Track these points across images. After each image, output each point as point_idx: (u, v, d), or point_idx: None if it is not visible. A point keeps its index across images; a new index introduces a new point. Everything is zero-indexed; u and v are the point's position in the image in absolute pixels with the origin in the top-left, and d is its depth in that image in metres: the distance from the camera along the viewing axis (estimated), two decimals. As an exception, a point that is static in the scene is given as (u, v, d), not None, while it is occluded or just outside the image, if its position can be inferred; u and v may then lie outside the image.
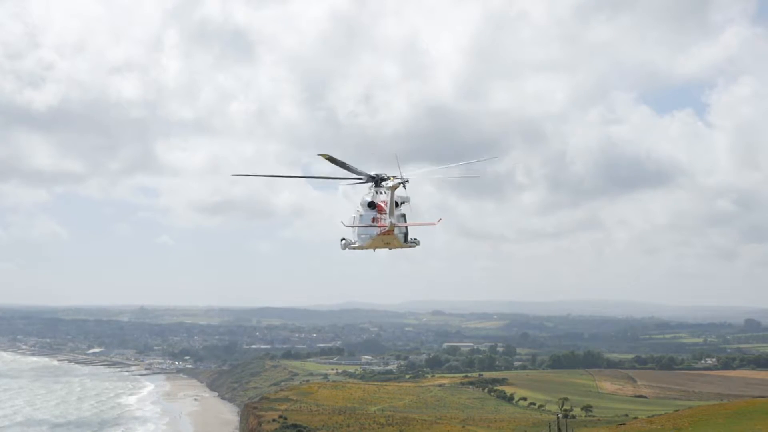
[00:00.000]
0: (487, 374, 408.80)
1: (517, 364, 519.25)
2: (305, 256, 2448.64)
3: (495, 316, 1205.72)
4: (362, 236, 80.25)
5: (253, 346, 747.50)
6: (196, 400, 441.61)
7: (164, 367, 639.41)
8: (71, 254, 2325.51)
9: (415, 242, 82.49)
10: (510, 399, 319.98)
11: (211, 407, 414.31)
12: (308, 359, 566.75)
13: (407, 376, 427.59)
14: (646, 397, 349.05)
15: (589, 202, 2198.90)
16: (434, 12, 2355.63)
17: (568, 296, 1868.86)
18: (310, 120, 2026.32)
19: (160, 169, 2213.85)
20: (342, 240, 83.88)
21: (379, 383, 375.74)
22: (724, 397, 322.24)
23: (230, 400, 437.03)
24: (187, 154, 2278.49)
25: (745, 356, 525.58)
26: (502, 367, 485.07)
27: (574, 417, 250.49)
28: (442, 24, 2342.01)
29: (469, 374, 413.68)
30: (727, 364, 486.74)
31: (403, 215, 79.52)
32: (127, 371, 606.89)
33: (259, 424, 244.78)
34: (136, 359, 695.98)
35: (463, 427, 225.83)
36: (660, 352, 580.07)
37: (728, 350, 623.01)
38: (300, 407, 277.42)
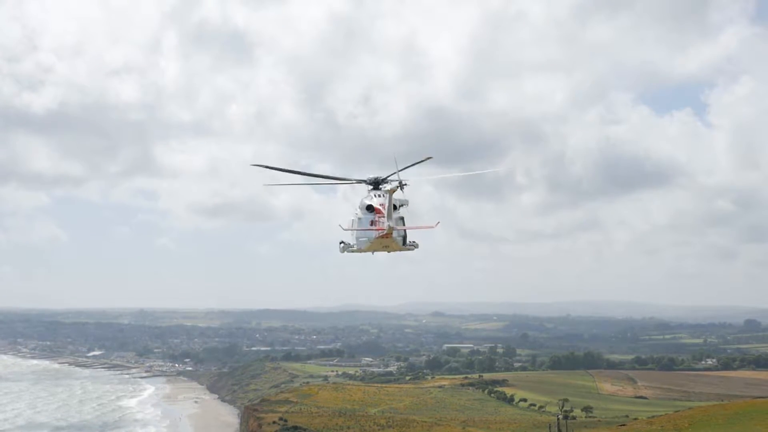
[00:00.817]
0: (487, 375, 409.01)
1: (517, 365, 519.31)
2: (305, 258, 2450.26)
3: (495, 317, 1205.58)
4: (361, 239, 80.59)
5: (253, 349, 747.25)
6: (196, 402, 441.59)
7: (164, 369, 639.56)
8: (71, 257, 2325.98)
9: (414, 245, 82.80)
10: (510, 400, 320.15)
11: (212, 409, 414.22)
12: (308, 361, 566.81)
13: (407, 378, 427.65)
14: (646, 398, 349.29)
15: (588, 203, 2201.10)
16: (433, 13, 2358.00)
17: (567, 297, 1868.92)
18: (309, 121, 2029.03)
19: (159, 172, 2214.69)
20: (341, 243, 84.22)
21: (379, 385, 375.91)
22: (724, 397, 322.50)
23: (230, 402, 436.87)
24: (187, 156, 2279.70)
25: (745, 356, 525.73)
26: (502, 369, 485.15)
27: (574, 418, 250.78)
28: (441, 25, 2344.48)
29: (469, 376, 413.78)
30: (727, 365, 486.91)
31: (402, 218, 79.82)
32: (127, 374, 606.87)
33: (260, 426, 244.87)
34: (136, 362, 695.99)
35: (463, 428, 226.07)
36: (660, 352, 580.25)
37: (728, 351, 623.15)
38: (300, 409, 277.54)
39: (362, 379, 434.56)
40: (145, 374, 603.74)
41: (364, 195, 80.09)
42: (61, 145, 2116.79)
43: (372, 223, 77.94)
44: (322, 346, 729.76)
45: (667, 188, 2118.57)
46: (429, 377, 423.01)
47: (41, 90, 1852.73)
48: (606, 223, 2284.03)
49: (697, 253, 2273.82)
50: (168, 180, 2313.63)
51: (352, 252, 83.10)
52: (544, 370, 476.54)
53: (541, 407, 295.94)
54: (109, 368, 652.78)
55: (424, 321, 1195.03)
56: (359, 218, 79.64)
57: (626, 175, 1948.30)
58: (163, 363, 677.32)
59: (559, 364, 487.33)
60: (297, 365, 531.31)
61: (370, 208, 78.19)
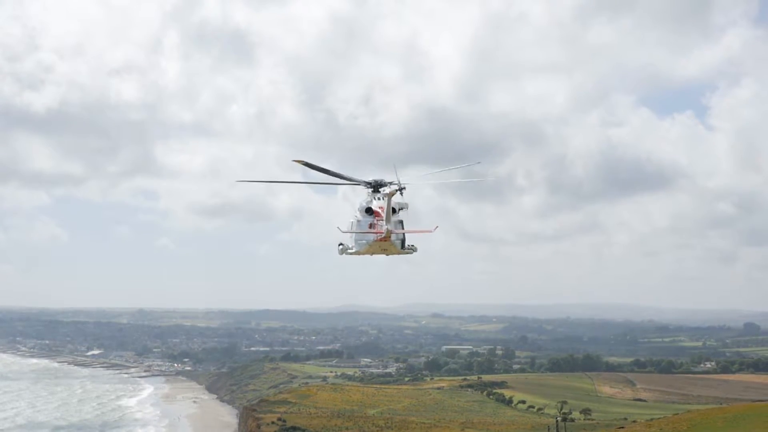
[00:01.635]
0: (486, 377, 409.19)
1: (516, 367, 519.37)
2: (304, 258, 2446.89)
3: (494, 319, 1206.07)
4: (359, 242, 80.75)
5: (252, 349, 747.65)
6: (195, 402, 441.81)
7: (163, 369, 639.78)
8: (71, 256, 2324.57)
9: (413, 249, 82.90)
10: (509, 402, 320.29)
11: (210, 410, 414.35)
12: (307, 362, 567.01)
13: (406, 379, 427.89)
14: (645, 401, 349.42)
15: (589, 205, 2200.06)
16: (434, 13, 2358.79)
17: (567, 299, 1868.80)
18: (309, 122, 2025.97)
19: (159, 172, 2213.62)
20: (339, 245, 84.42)
21: (378, 386, 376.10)
22: (723, 400, 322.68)
23: (229, 402, 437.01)
24: (187, 156, 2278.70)
25: (744, 360, 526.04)
26: (501, 370, 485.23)
27: (572, 420, 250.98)
28: (442, 25, 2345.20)
29: (468, 377, 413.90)
30: (726, 368, 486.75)
31: (401, 222, 79.93)
32: (126, 373, 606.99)
33: (258, 426, 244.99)
34: (135, 361, 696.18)
35: (462, 430, 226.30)
36: (659, 355, 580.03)
37: (727, 354, 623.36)
38: (299, 410, 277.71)
39: (361, 380, 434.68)
40: (144, 374, 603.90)
41: (364, 197, 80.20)
42: (62, 144, 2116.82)
43: (371, 225, 78.12)
44: (321, 347, 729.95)
45: (667, 191, 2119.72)
46: (428, 378, 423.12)
47: (42, 89, 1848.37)
48: (606, 226, 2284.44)
49: (697, 256, 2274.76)
50: (168, 180, 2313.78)
51: (351, 254, 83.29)
52: (543, 372, 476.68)
53: (539, 409, 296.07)
54: (108, 367, 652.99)
55: (423, 322, 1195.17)
56: (358, 220, 79.81)
57: (627, 178, 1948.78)
58: (162, 363, 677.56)
59: (558, 366, 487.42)
60: (296, 366, 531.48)
61: (369, 211, 78.38)
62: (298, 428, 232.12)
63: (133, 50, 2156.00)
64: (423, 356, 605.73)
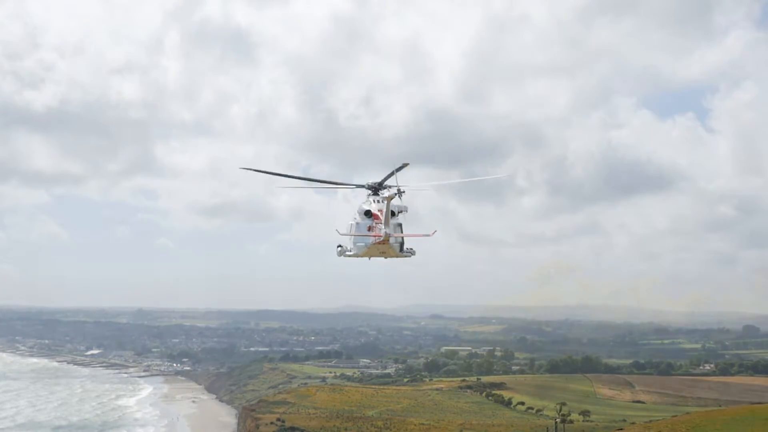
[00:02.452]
0: (485, 378, 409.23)
1: (515, 368, 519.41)
2: (304, 259, 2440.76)
3: (493, 320, 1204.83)
4: (358, 244, 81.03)
5: (252, 349, 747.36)
6: (194, 402, 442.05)
7: (162, 369, 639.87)
8: (70, 256, 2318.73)
9: (411, 252, 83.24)
10: (508, 404, 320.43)
11: (209, 410, 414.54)
12: (306, 362, 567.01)
13: (405, 380, 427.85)
14: (644, 403, 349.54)
15: (589, 207, 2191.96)
16: (435, 14, 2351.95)
17: (566, 301, 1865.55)
18: (310, 122, 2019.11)
19: (159, 171, 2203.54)
20: (338, 247, 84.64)
21: (377, 387, 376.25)
22: (722, 403, 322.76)
23: (228, 402, 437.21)
24: (187, 156, 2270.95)
25: (743, 362, 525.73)
26: (501, 372, 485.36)
27: (571, 422, 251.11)
28: (444, 26, 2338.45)
29: (467, 378, 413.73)
30: (725, 370, 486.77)
31: (400, 225, 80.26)
32: (125, 373, 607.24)
33: (257, 426, 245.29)
34: (134, 361, 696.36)
35: (460, 431, 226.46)
36: (658, 357, 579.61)
37: (727, 356, 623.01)
38: (298, 410, 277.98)
39: (360, 381, 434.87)
40: (143, 373, 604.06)
41: (363, 200, 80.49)
42: (62, 143, 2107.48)
43: (369, 228, 78.39)
44: (320, 348, 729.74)
45: (668, 193, 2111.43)
46: (427, 379, 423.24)
47: (42, 88, 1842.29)
48: (606, 228, 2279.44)
49: (697, 258, 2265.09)
50: (168, 179, 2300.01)
51: (349, 256, 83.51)
52: (542, 373, 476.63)
53: (539, 411, 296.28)
54: (107, 367, 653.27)
55: (422, 323, 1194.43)
56: (357, 223, 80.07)
57: (627, 180, 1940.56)
58: (161, 362, 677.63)
59: (557, 368, 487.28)
60: (295, 366, 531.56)
61: (368, 214, 78.64)
62: (297, 428, 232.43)
63: (133, 49, 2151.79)
64: (422, 357, 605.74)
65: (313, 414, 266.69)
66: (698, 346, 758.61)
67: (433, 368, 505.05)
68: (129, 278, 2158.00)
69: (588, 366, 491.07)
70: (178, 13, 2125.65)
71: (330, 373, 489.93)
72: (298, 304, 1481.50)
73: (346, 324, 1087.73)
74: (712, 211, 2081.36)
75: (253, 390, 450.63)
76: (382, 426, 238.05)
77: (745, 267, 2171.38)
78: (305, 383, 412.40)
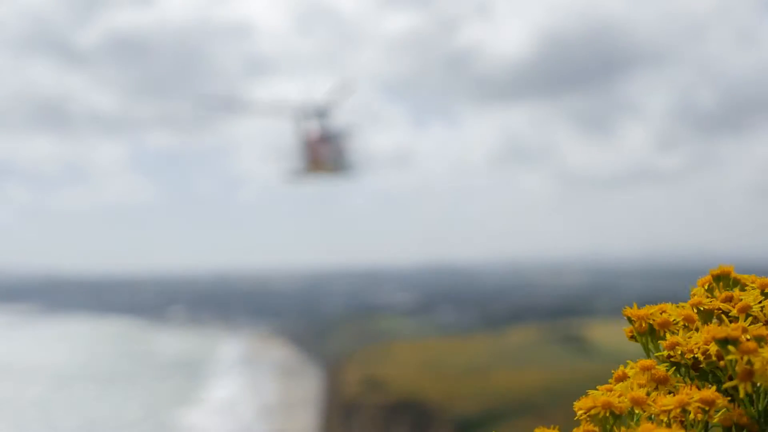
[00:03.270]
0: (568, 323, 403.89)
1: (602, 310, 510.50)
2: (389, 211, 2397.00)
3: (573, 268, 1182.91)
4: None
5: (336, 304, 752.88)
6: (279, 355, 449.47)
7: (246, 326, 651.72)
8: (158, 217, 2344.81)
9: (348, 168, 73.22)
10: (590, 353, 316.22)
11: (296, 363, 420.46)
12: (391, 315, 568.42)
13: (486, 330, 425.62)
14: None
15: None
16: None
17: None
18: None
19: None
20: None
21: (458, 338, 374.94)
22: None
23: (315, 356, 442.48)
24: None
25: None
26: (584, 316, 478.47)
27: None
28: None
29: (554, 323, 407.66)
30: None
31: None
32: (210, 330, 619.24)
33: (343, 382, 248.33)
34: (217, 319, 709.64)
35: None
36: None
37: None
38: (383, 363, 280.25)
39: (442, 332, 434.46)
40: (227, 331, 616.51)
41: None
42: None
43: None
44: (404, 301, 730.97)
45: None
46: (509, 329, 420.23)
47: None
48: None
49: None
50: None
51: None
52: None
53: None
54: (188, 325, 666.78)
55: (503, 274, 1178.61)
56: None
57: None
58: (245, 320, 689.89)
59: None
60: (381, 319, 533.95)
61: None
62: (383, 382, 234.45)
63: None
64: (504, 304, 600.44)
65: (399, 367, 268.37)
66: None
67: (515, 317, 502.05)
68: (213, 237, 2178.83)
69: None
70: None
71: (415, 325, 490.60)
72: (382, 258, 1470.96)
73: (430, 277, 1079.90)
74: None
75: (338, 344, 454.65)
76: (470, 379, 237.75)
77: None
78: (389, 337, 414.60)
